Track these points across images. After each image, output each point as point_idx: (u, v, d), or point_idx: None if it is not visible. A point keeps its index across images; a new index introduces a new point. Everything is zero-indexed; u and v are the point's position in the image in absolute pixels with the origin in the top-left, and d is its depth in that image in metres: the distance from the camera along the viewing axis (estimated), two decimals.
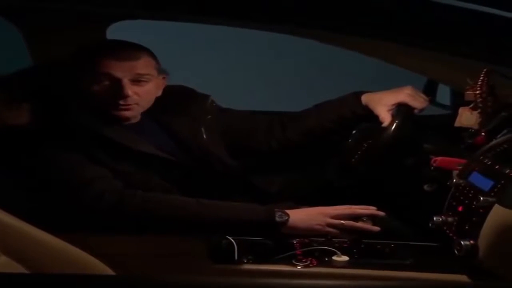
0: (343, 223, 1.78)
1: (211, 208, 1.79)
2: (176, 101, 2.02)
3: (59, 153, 1.80)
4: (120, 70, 1.87)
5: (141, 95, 1.91)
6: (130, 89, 1.87)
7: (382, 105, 1.99)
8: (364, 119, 2.03)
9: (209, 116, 2.06)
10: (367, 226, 1.79)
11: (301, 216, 1.79)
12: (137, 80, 1.89)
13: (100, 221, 1.75)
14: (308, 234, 1.77)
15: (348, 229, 1.78)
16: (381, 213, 1.82)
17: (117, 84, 1.86)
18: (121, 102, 1.88)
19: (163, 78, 1.98)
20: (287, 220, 1.76)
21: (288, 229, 1.76)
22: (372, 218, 1.81)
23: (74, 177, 1.78)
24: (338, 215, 1.79)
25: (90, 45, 1.96)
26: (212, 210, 1.78)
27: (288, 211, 1.78)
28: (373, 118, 2.00)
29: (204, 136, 2.02)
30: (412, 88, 2.02)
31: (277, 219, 1.76)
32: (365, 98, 2.03)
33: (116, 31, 2.24)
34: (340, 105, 2.07)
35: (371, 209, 1.81)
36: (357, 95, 2.05)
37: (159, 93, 1.98)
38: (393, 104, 1.98)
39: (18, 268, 1.42)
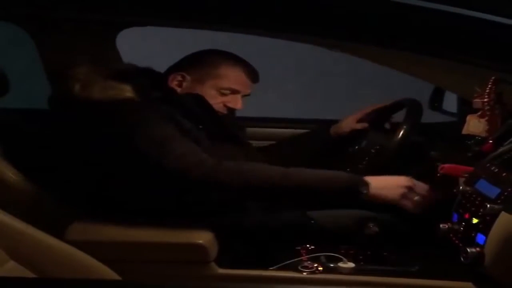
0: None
1: (296, 177, 1.77)
2: None
3: (151, 126, 1.79)
4: (249, 89, 2.11)
5: None
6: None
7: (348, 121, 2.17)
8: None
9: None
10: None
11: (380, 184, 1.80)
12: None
13: (188, 195, 1.75)
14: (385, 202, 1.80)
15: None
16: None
17: (236, 96, 2.08)
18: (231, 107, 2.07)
19: None
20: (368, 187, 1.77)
21: (370, 196, 1.78)
22: (378, 225, 1.81)
23: (166, 151, 1.75)
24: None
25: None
26: (297, 179, 1.77)
27: (369, 179, 1.78)
28: (380, 127, 2.01)
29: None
30: None
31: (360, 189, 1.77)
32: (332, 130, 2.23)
33: (126, 37, 2.27)
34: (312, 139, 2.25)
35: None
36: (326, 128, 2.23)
37: None
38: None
39: (26, 273, 1.44)
